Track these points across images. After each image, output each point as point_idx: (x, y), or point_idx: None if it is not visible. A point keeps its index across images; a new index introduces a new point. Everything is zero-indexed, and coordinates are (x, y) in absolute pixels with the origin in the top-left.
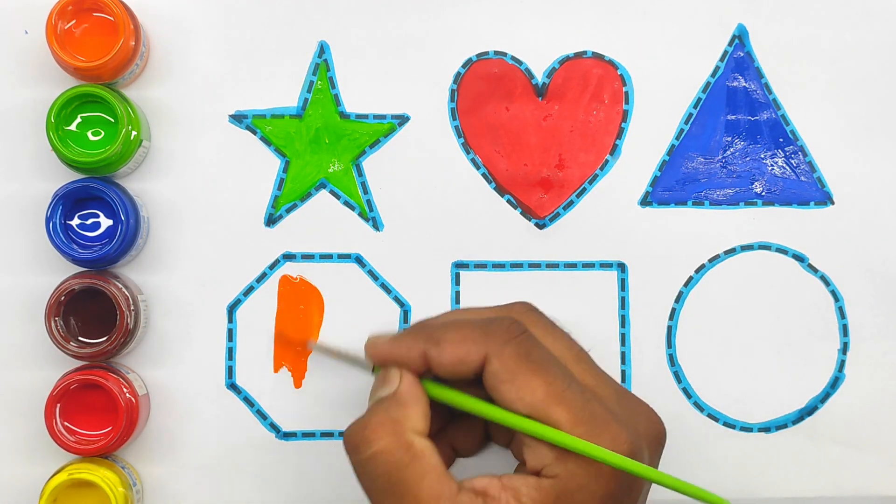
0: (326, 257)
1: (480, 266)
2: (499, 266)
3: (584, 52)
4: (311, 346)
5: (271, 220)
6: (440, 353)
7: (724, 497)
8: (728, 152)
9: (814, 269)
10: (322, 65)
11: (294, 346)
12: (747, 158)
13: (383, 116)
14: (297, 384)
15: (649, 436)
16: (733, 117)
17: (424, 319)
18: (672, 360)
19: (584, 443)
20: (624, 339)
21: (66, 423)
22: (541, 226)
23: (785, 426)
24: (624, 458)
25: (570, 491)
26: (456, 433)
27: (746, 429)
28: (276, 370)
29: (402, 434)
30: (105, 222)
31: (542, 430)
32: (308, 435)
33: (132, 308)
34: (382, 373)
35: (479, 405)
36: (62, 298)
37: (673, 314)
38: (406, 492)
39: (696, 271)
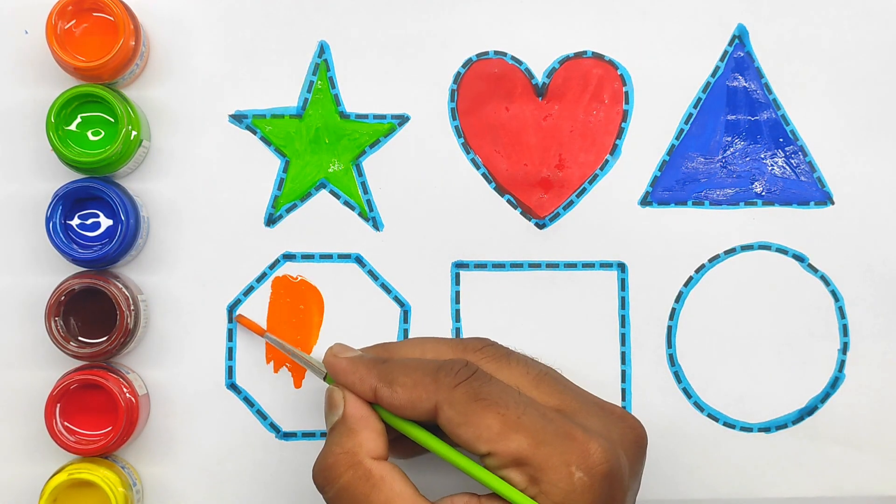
0: (326, 257)
1: (480, 266)
2: (499, 266)
3: (584, 52)
4: (267, 339)
5: (271, 220)
6: (391, 395)
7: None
8: (728, 152)
9: (814, 269)
10: (322, 65)
11: (252, 332)
12: (747, 158)
13: (383, 116)
14: (297, 384)
15: (626, 441)
16: (733, 117)
17: (386, 344)
18: (672, 360)
19: (519, 494)
20: (624, 339)
21: (66, 423)
22: (541, 226)
23: (785, 426)
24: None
25: None
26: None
27: (746, 429)
28: (276, 370)
29: (359, 464)
30: (105, 222)
31: (481, 472)
32: (308, 435)
33: (132, 308)
34: (328, 392)
35: (427, 438)
36: (62, 298)
37: (673, 314)
38: None
39: (696, 271)
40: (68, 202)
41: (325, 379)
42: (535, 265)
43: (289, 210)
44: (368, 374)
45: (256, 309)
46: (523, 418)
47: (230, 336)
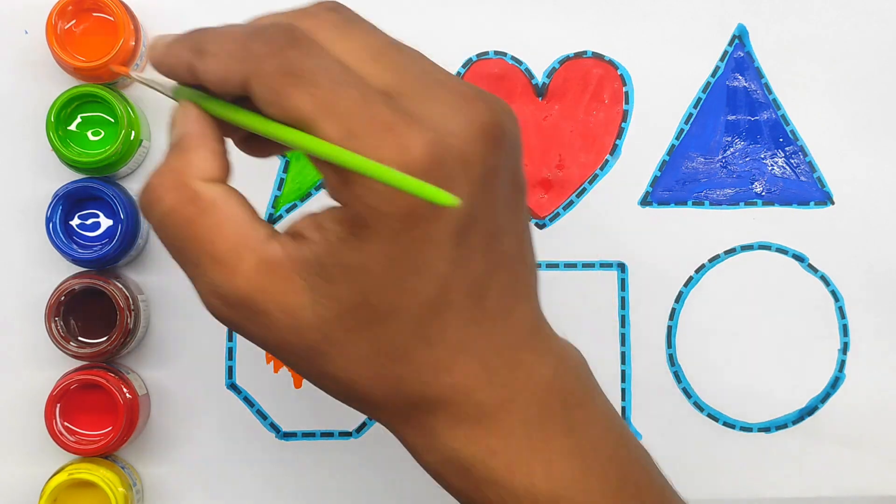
0: None
1: None
2: None
3: (584, 52)
4: (132, 75)
5: (271, 220)
6: (203, 66)
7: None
8: (728, 152)
9: (814, 269)
10: None
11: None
12: (747, 158)
13: None
14: (297, 384)
15: (473, 128)
16: (733, 117)
17: (204, 27)
18: (672, 360)
19: (335, 148)
20: (624, 339)
21: (66, 423)
22: (541, 226)
23: (785, 426)
24: (357, 158)
25: (363, 216)
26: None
27: (746, 429)
28: (276, 370)
29: (185, 186)
30: (105, 222)
31: (297, 137)
32: (308, 435)
33: (132, 308)
34: (172, 111)
35: (242, 116)
36: (62, 298)
37: (673, 314)
38: (201, 250)
39: (696, 271)
40: (68, 202)
41: (173, 96)
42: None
43: (289, 210)
44: (182, 49)
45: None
46: (338, 101)
47: (230, 336)
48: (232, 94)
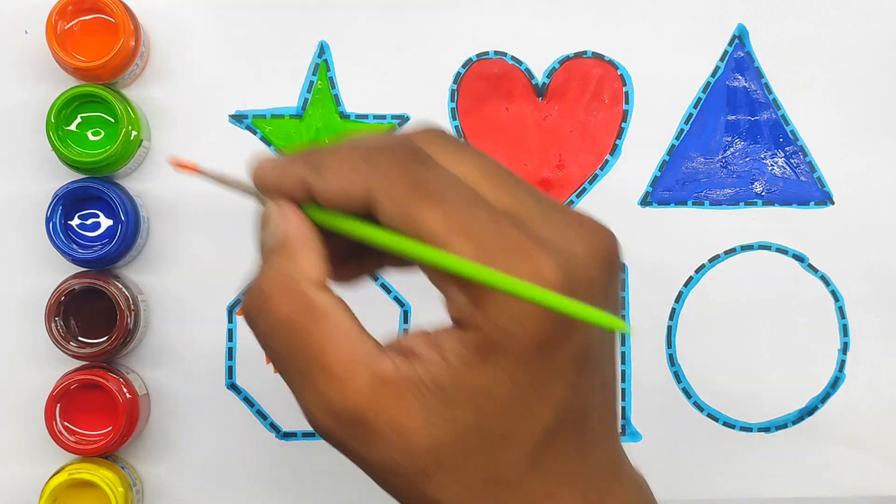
0: None
1: None
2: None
3: (584, 52)
4: (200, 171)
5: None
6: (321, 183)
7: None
8: (728, 152)
9: (814, 269)
10: (322, 65)
11: (185, 169)
12: (747, 158)
13: (383, 116)
14: None
15: (592, 254)
16: (733, 117)
17: (316, 145)
18: (672, 360)
19: (479, 267)
20: (624, 339)
21: (66, 423)
22: None
23: (785, 426)
24: (521, 283)
25: (495, 341)
26: (385, 259)
27: (746, 429)
28: (276, 370)
29: (299, 293)
30: (105, 222)
31: (432, 254)
32: (308, 435)
33: (132, 308)
34: (264, 211)
35: (365, 230)
36: (62, 298)
37: (673, 314)
38: (313, 363)
39: (696, 271)
40: (68, 202)
41: (257, 198)
42: None
43: None
44: (295, 166)
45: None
46: (471, 221)
47: (230, 336)
48: (348, 209)
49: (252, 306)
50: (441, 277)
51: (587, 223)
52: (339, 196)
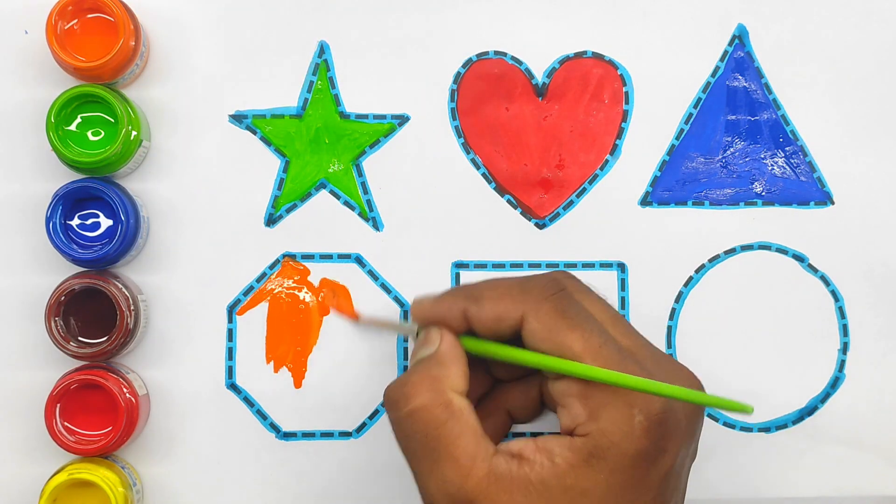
0: (326, 257)
1: (480, 266)
2: (499, 266)
3: (584, 52)
4: (362, 320)
5: (271, 220)
6: (480, 310)
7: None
8: (728, 152)
9: (814, 269)
10: (322, 65)
11: (344, 317)
12: (747, 158)
13: (383, 116)
14: (297, 384)
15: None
16: (733, 117)
17: (466, 284)
18: None
19: (614, 373)
20: None
21: (66, 423)
22: (541, 226)
23: (785, 426)
24: (651, 382)
25: (602, 448)
26: (510, 397)
27: (746, 429)
28: (276, 370)
29: (442, 392)
30: (105, 222)
31: (578, 367)
32: (308, 435)
33: (132, 308)
34: (424, 333)
35: (514, 352)
36: (62, 298)
37: (673, 314)
38: (443, 449)
39: (696, 271)
40: (68, 202)
41: (416, 335)
42: (535, 265)
43: (289, 210)
44: (456, 299)
45: (256, 309)
46: (603, 349)
47: (230, 336)
48: (501, 332)
49: (397, 393)
50: (564, 392)
51: (685, 372)
52: (494, 320)
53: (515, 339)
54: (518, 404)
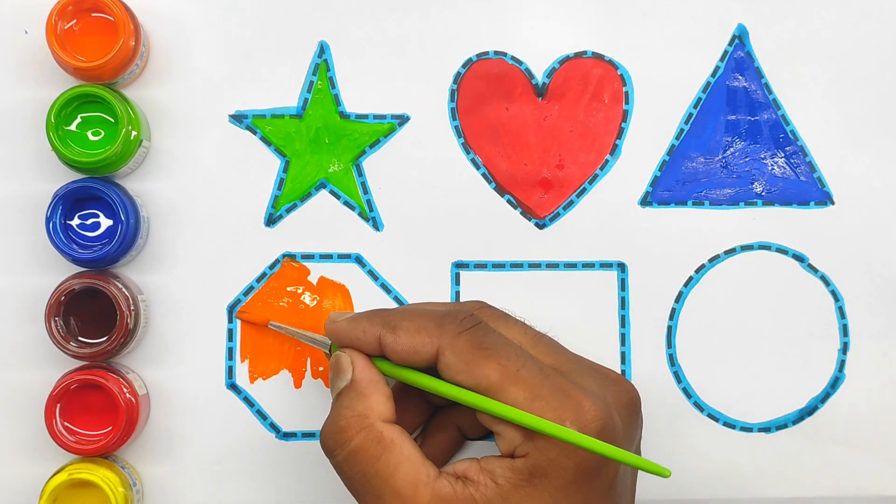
0: (326, 257)
1: (480, 266)
2: (499, 266)
3: (584, 52)
4: (272, 327)
5: (271, 220)
6: (395, 341)
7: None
8: (728, 152)
9: (814, 269)
10: (322, 65)
11: (255, 326)
12: (747, 158)
13: (383, 116)
14: (297, 384)
15: (619, 403)
16: (733, 117)
17: (382, 309)
18: (672, 360)
19: (526, 415)
20: (624, 339)
21: (66, 423)
22: (541, 226)
23: (785, 426)
24: (557, 426)
25: (542, 467)
26: (457, 413)
27: (746, 429)
28: (276, 370)
29: (370, 427)
30: (105, 222)
31: (489, 404)
32: (308, 435)
33: (132, 308)
34: (334, 358)
35: (429, 381)
36: (62, 298)
37: (673, 314)
38: (383, 485)
39: (696, 271)
40: (68, 202)
41: (329, 350)
42: (535, 265)
43: (289, 210)
44: (371, 325)
45: (257, 308)
46: (522, 371)
47: (230, 336)
48: (416, 363)
49: (330, 440)
50: (493, 420)
51: (614, 377)
52: (409, 353)
53: (432, 369)
54: (465, 422)
